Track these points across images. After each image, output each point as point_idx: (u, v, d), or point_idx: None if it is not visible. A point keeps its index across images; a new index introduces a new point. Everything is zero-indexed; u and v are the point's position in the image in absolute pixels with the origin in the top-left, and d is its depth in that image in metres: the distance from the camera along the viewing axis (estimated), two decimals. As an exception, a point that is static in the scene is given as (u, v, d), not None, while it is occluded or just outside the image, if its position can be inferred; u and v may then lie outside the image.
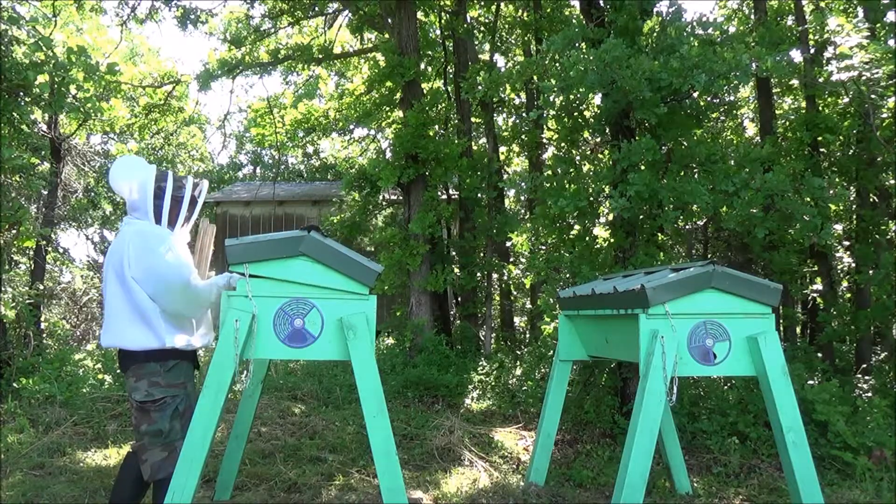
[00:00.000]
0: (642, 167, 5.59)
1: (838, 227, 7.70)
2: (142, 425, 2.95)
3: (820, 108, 7.50)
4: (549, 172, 6.73)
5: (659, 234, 6.37)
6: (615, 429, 5.64)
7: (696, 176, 5.77)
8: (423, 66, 10.56)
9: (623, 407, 5.82)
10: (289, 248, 3.03)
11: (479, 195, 10.03)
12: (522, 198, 13.09)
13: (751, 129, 10.26)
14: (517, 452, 5.37)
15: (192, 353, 3.12)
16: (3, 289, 7.30)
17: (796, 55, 7.24)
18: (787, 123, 8.08)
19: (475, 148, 11.32)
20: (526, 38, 11.88)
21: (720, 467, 4.88)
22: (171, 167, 19.16)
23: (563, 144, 7.22)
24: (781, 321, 7.49)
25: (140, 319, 2.89)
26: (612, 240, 6.28)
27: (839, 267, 8.36)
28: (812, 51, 7.27)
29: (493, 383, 7.84)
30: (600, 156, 6.98)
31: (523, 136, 11.34)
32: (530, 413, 6.63)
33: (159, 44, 34.79)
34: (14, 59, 6.70)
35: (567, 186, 5.99)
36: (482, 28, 12.11)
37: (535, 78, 7.60)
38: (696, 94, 5.87)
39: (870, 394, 6.17)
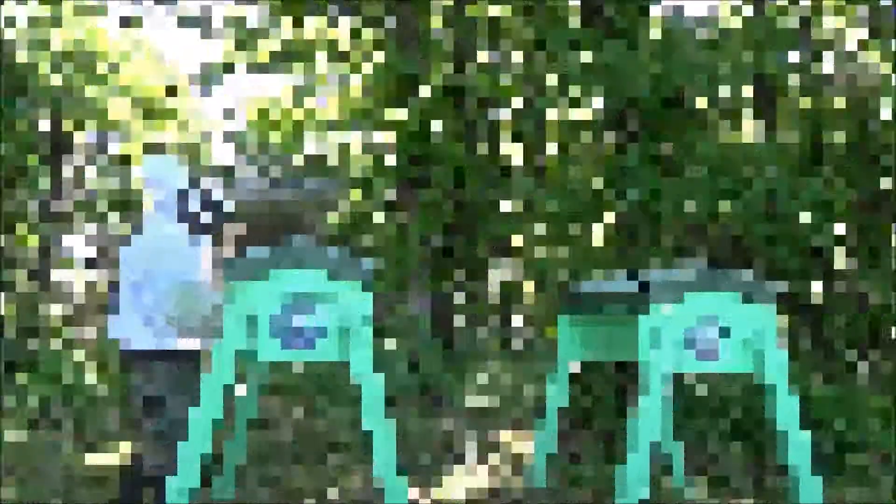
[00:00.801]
0: (642, 167, 5.58)
1: (838, 227, 7.69)
2: (145, 425, 2.94)
3: (820, 109, 7.49)
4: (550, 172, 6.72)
5: (659, 234, 6.36)
6: (615, 429, 5.63)
7: (696, 176, 5.77)
8: (422, 66, 10.53)
9: (623, 407, 5.81)
10: (280, 260, 3.02)
11: (479, 195, 10.01)
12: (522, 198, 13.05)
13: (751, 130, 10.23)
14: (517, 452, 5.37)
15: (198, 353, 3.13)
16: (2, 289, 7.30)
17: (796, 55, 7.24)
18: (787, 123, 8.06)
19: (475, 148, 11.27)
20: (526, 39, 11.84)
21: (720, 467, 4.87)
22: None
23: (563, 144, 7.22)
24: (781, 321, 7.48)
25: (146, 318, 2.89)
26: (611, 240, 6.27)
27: (839, 267, 8.35)
28: (812, 51, 7.26)
29: (493, 383, 7.82)
30: (600, 156, 6.97)
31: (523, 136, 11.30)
32: (530, 413, 6.62)
33: (159, 44, 34.78)
34: (14, 59, 6.70)
35: (567, 186, 5.98)
36: (482, 28, 12.06)
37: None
38: (696, 95, 5.86)
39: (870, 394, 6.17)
